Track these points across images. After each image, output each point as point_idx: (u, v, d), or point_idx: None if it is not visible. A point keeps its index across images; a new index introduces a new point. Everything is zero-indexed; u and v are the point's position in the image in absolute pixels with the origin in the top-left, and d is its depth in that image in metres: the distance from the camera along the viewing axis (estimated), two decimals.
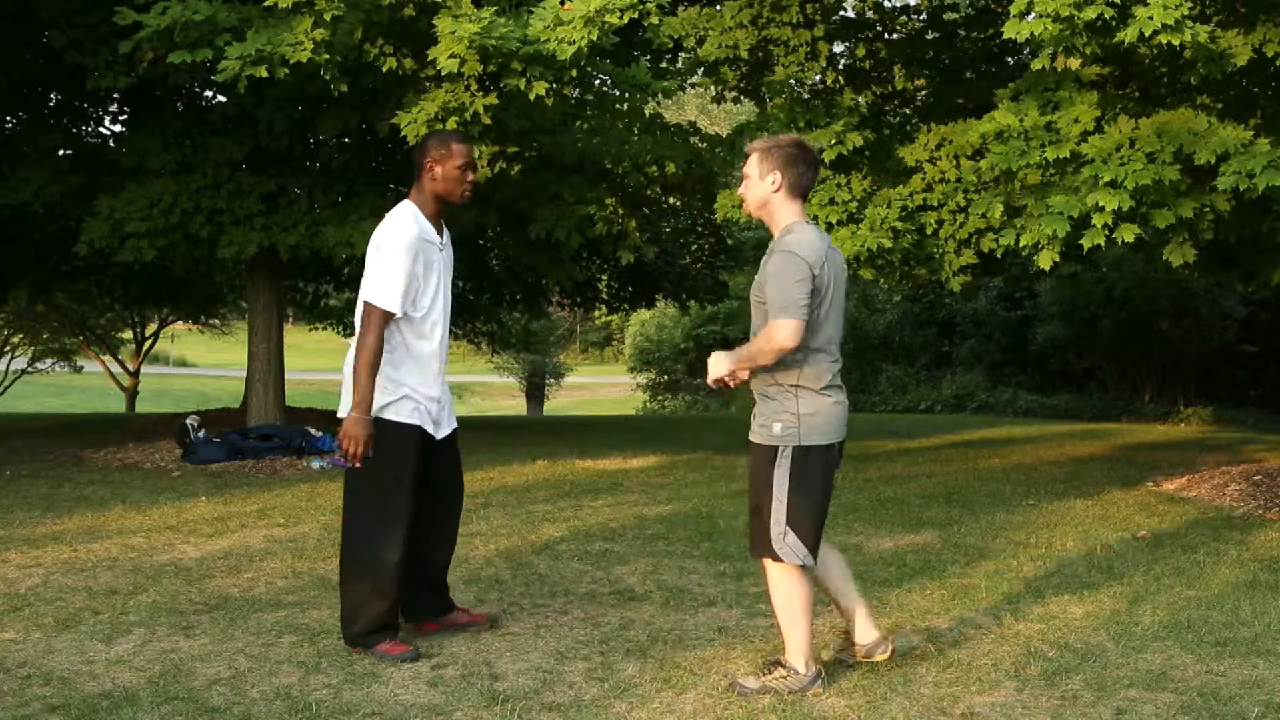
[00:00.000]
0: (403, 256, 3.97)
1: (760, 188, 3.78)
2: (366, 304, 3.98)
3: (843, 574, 3.97)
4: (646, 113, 10.32)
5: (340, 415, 4.10)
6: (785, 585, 3.72)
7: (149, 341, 26.38)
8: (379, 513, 4.04)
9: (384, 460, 4.03)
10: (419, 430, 4.11)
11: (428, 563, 4.29)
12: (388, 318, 4.00)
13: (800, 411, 3.67)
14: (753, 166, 3.80)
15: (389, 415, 4.06)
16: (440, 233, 4.20)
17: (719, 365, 3.76)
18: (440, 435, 4.23)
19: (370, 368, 3.96)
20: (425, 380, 4.13)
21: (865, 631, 3.94)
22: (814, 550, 3.73)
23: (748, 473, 3.84)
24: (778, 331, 3.59)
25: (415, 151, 4.19)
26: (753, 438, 3.76)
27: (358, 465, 3.99)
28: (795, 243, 3.66)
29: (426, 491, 4.22)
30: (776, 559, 3.70)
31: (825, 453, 3.71)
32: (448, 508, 4.35)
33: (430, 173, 4.10)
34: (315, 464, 9.38)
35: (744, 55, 7.77)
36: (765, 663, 3.88)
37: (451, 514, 4.37)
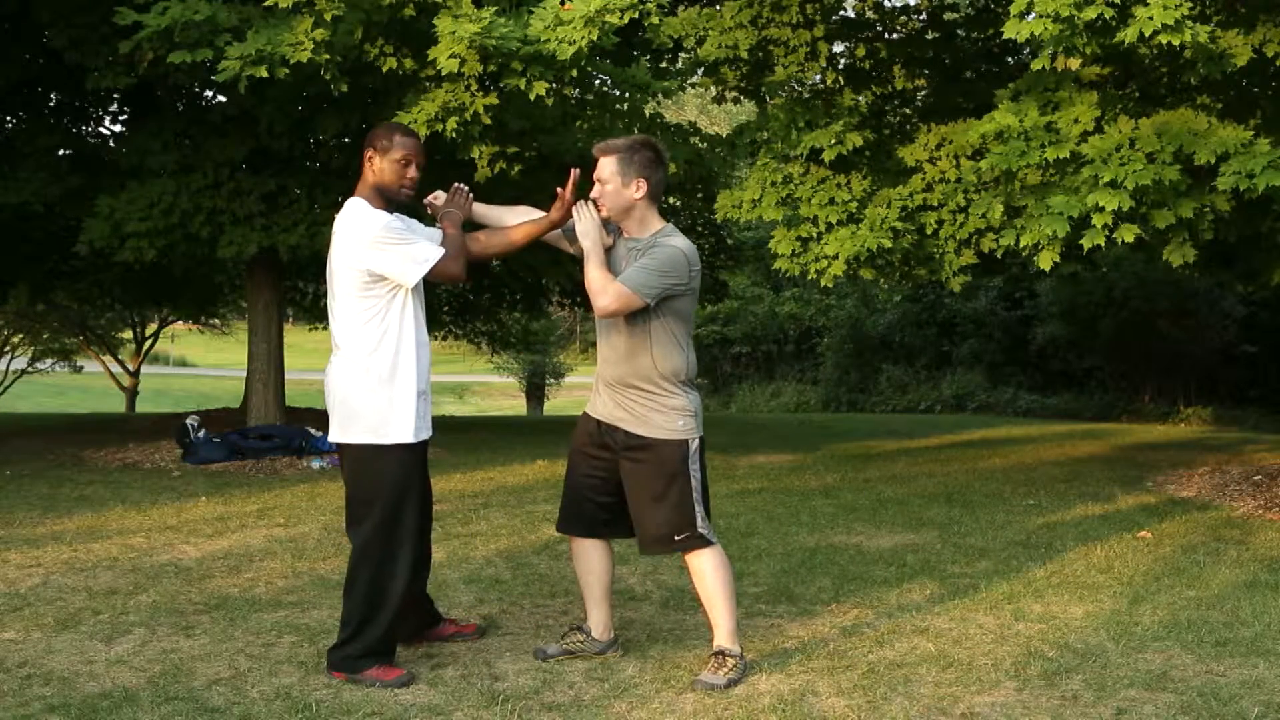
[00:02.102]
0: (398, 230, 3.79)
1: (624, 194, 3.82)
2: (411, 271, 3.76)
3: (609, 572, 4.12)
4: (646, 113, 10.31)
5: (332, 439, 3.89)
6: (716, 568, 3.88)
7: (149, 341, 26.36)
8: (385, 536, 3.82)
9: (389, 484, 3.81)
10: (424, 444, 3.93)
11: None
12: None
13: (693, 406, 3.87)
14: (612, 172, 3.82)
15: (394, 439, 3.81)
16: None
17: (588, 217, 3.85)
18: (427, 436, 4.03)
19: (490, 234, 4.04)
20: (423, 374, 3.90)
21: (604, 629, 4.10)
22: None
23: (639, 472, 3.84)
24: (619, 295, 3.70)
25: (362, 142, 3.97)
26: (651, 434, 3.81)
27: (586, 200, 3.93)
28: (684, 244, 3.82)
29: None
30: (708, 544, 3.86)
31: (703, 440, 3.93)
32: (426, 523, 4.16)
33: (370, 164, 3.87)
34: (315, 464, 9.38)
35: (744, 55, 7.76)
36: (710, 657, 3.90)
37: (428, 524, 4.18)
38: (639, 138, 3.90)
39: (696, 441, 3.84)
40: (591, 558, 4.06)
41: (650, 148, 3.85)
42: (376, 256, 3.77)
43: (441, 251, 3.85)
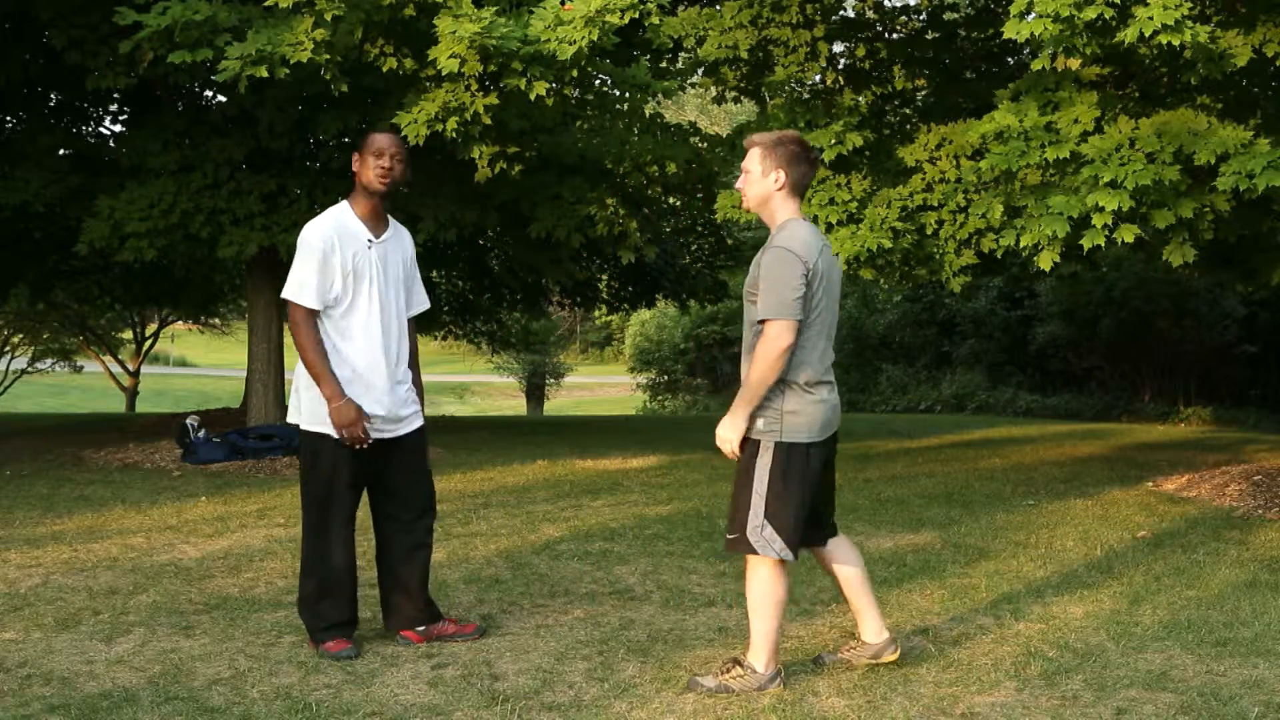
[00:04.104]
0: (313, 252, 4.00)
1: (763, 185, 3.75)
2: (288, 303, 4.03)
3: (856, 571, 3.99)
4: (646, 113, 10.32)
5: (290, 420, 4.19)
6: (762, 581, 3.72)
7: (149, 341, 26.38)
8: (319, 516, 4.12)
9: (319, 468, 4.10)
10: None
11: (397, 571, 4.24)
12: (313, 314, 4.02)
13: (784, 408, 3.66)
14: (754, 163, 3.77)
15: (317, 427, 4.07)
16: (379, 230, 4.16)
17: (733, 429, 3.67)
18: (390, 436, 4.17)
19: (318, 358, 3.99)
20: (365, 395, 4.06)
21: (874, 631, 3.96)
22: (794, 546, 3.71)
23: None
24: (777, 337, 3.57)
25: None
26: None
27: (368, 444, 4.03)
28: (789, 239, 3.65)
29: (387, 497, 4.22)
30: (753, 552, 3.70)
31: (807, 450, 3.70)
32: (413, 515, 4.25)
33: (355, 166, 4.16)
34: None
35: (744, 55, 7.76)
36: (725, 660, 3.87)
37: (417, 521, 4.26)
38: (787, 133, 3.82)
39: (772, 445, 3.66)
40: (829, 563, 4.01)
41: (796, 144, 3.77)
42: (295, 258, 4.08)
43: (312, 306, 4.00)
